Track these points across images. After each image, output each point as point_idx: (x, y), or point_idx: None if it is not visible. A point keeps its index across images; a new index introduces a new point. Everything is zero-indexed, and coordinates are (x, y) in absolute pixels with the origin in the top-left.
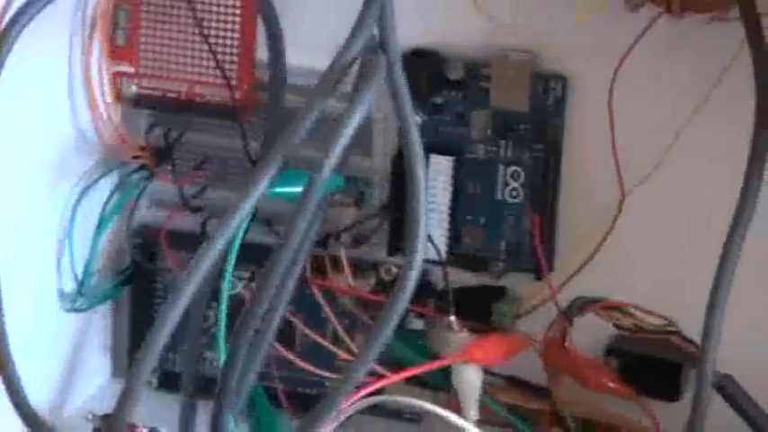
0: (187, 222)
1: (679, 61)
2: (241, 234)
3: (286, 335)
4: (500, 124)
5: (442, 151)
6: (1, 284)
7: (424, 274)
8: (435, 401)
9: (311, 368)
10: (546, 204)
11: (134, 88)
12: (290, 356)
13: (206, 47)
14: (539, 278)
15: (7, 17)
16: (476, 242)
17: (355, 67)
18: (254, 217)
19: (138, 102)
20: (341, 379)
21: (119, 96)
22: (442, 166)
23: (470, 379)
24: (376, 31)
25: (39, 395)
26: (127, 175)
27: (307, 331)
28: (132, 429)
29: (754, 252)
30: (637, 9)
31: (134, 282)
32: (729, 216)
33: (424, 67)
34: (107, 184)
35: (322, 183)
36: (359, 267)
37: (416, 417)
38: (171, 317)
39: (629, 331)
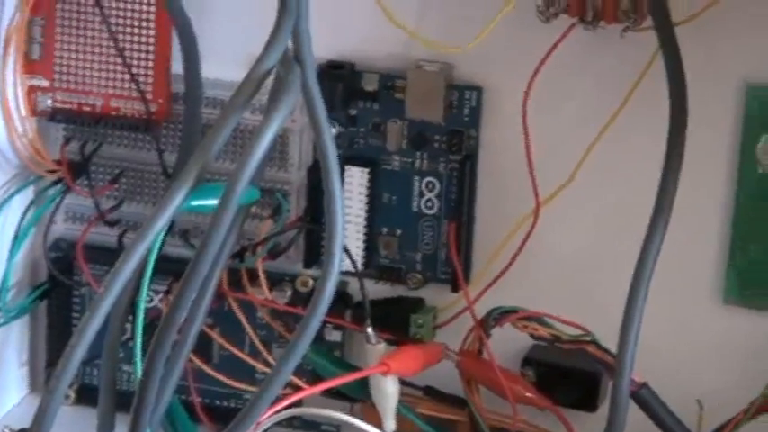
0: (103, 236)
1: (593, 71)
2: (157, 247)
3: (203, 348)
4: (415, 135)
5: (358, 163)
6: None
7: (341, 286)
8: (353, 413)
9: (229, 381)
10: (462, 215)
11: (49, 102)
12: (208, 369)
13: (121, 60)
14: (455, 289)
15: None
16: (392, 253)
17: (270, 80)
18: (171, 230)
19: (54, 116)
20: (259, 391)
21: (34, 110)
22: (357, 177)
23: (388, 390)
24: (291, 43)
25: None
26: (43, 189)
27: (224, 344)
28: None
29: (669, 260)
30: (550, 20)
31: (51, 296)
32: (645, 224)
33: (340, 79)
34: (23, 198)
35: (237, 195)
36: (275, 279)
37: (334, 429)
38: (88, 330)
39: (545, 341)
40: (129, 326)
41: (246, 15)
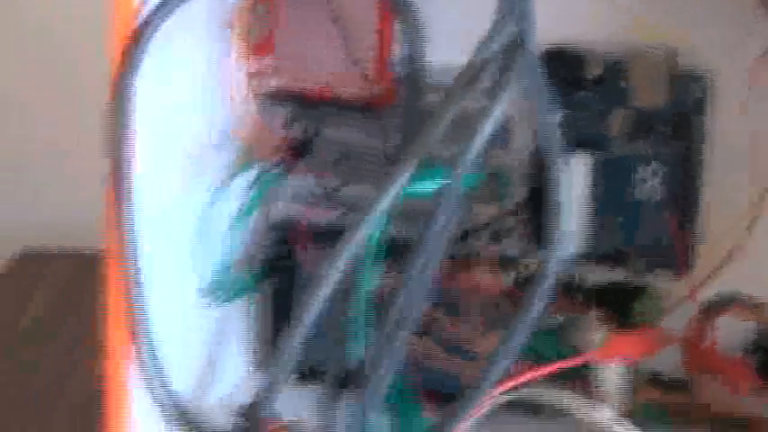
0: (324, 218)
1: None
2: (380, 229)
3: (425, 330)
4: (639, 122)
5: (581, 149)
6: (144, 281)
7: (564, 271)
8: (573, 398)
9: (451, 364)
10: (686, 202)
11: (273, 83)
12: (432, 350)
13: (344, 42)
14: (679, 276)
15: (145, 13)
16: (615, 240)
17: (494, 64)
18: (393, 214)
19: (277, 97)
20: (481, 375)
21: (257, 92)
22: (580, 163)
23: (613, 375)
24: (515, 28)
25: (181, 386)
26: (264, 170)
27: (447, 326)
28: (272, 422)
29: None
30: None
31: (272, 276)
32: None
33: (563, 65)
34: (245, 180)
35: (461, 179)
36: (498, 263)
37: (554, 413)
38: (309, 311)
39: None
40: (347, 308)
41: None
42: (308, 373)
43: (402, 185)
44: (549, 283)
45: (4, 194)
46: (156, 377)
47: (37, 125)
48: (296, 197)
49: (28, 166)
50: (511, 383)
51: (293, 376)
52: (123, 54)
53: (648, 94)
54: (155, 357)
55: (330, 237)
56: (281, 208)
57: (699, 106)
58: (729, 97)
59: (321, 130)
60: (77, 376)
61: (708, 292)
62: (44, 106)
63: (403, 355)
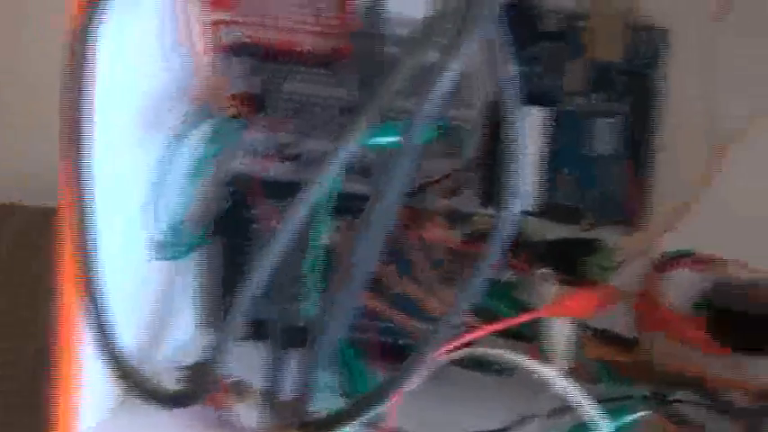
0: (281, 171)
1: None
2: (336, 184)
3: (377, 286)
4: (596, 76)
5: (537, 102)
6: (97, 236)
7: (517, 226)
8: (525, 353)
9: (403, 319)
10: (641, 157)
11: (232, 36)
12: (383, 307)
13: None
14: (632, 231)
15: None
16: (569, 194)
17: (453, 17)
18: (350, 167)
19: (236, 50)
20: (433, 330)
21: (216, 44)
22: (536, 117)
23: (562, 331)
24: None
25: (129, 342)
26: (221, 123)
27: (399, 281)
28: (221, 380)
29: None
30: None
31: (226, 231)
32: None
33: (521, 18)
34: (202, 133)
35: (418, 132)
36: (453, 218)
37: (505, 369)
38: (263, 266)
39: (722, 286)
40: (302, 263)
41: None
42: (258, 331)
43: (360, 138)
44: (502, 239)
45: None
46: (104, 333)
47: None
48: (252, 151)
49: None
50: (461, 340)
51: (243, 334)
52: (81, 9)
53: (605, 49)
54: (104, 313)
55: (286, 191)
56: (237, 162)
57: (655, 61)
58: (685, 52)
59: (280, 84)
60: (39, 324)
61: (661, 248)
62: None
63: (354, 312)
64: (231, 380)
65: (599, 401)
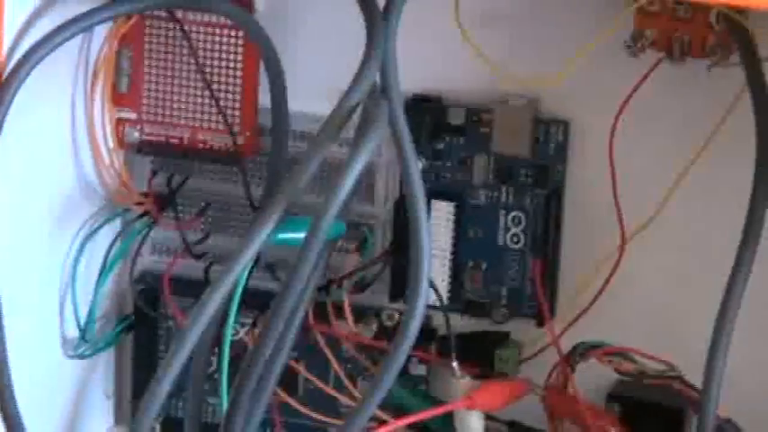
0: (190, 269)
1: (680, 106)
2: (244, 280)
3: (289, 381)
4: (501, 170)
5: (444, 197)
6: (5, 332)
7: (427, 320)
8: None
9: (314, 414)
10: (547, 250)
11: (137, 134)
12: (293, 403)
13: (208, 93)
14: (540, 324)
15: (10, 65)
16: (478, 288)
17: (358, 113)
18: (257, 263)
19: (141, 148)
20: (344, 425)
21: (121, 143)
22: (443, 211)
23: (473, 425)
24: (378, 76)
25: None
26: (129, 221)
27: (309, 377)
28: None
29: (757, 295)
30: (638, 54)
31: (137, 328)
32: (731, 260)
33: (427, 113)
34: (110, 231)
35: (325, 229)
36: (361, 313)
37: None
38: (174, 363)
39: (630, 377)
40: (214, 359)
41: (334, 49)
42: (170, 429)
43: (267, 235)
44: (411, 332)
45: None
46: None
47: None
48: (161, 248)
49: None
50: None
51: (156, 430)
52: None
53: (511, 142)
54: (14, 413)
55: (195, 288)
56: (146, 259)
57: (560, 154)
58: (590, 145)
59: (186, 181)
60: None
61: (570, 340)
62: None
63: (266, 406)
64: None
65: None
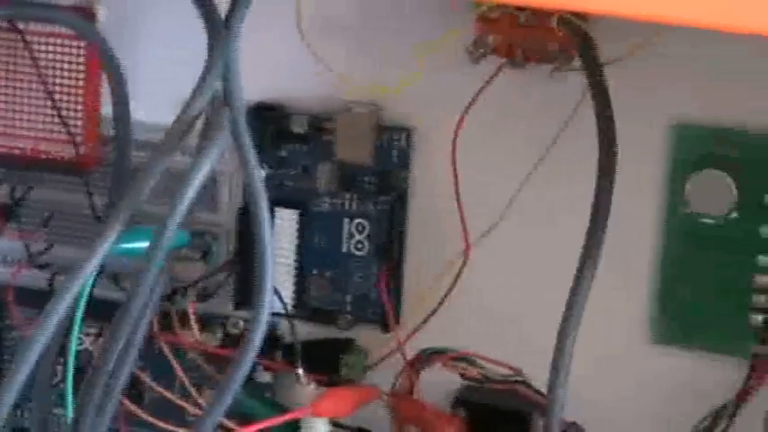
0: (34, 279)
1: (523, 111)
2: (88, 290)
3: (134, 391)
4: (345, 177)
5: (288, 204)
6: None
7: (272, 328)
8: None
9: (160, 423)
10: (392, 257)
11: None
12: (139, 412)
13: (50, 103)
14: (386, 330)
15: None
16: (323, 295)
17: (200, 122)
18: (101, 273)
19: None
20: None
21: None
22: (287, 219)
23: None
24: (220, 85)
25: None
26: None
27: (155, 386)
28: None
29: (599, 300)
30: (479, 60)
31: None
32: (574, 264)
33: (269, 121)
34: None
35: (167, 239)
36: (206, 322)
37: None
38: (19, 374)
39: (475, 382)
40: (59, 369)
41: (176, 57)
42: None
43: (110, 245)
44: (256, 340)
45: None
46: None
47: None
48: (4, 259)
49: None
50: None
51: None
52: None
53: (354, 149)
54: None
55: (39, 299)
56: None
57: (403, 161)
58: (434, 151)
59: (29, 192)
60: None
61: (415, 346)
62: None
63: (112, 416)
64: None
65: None
